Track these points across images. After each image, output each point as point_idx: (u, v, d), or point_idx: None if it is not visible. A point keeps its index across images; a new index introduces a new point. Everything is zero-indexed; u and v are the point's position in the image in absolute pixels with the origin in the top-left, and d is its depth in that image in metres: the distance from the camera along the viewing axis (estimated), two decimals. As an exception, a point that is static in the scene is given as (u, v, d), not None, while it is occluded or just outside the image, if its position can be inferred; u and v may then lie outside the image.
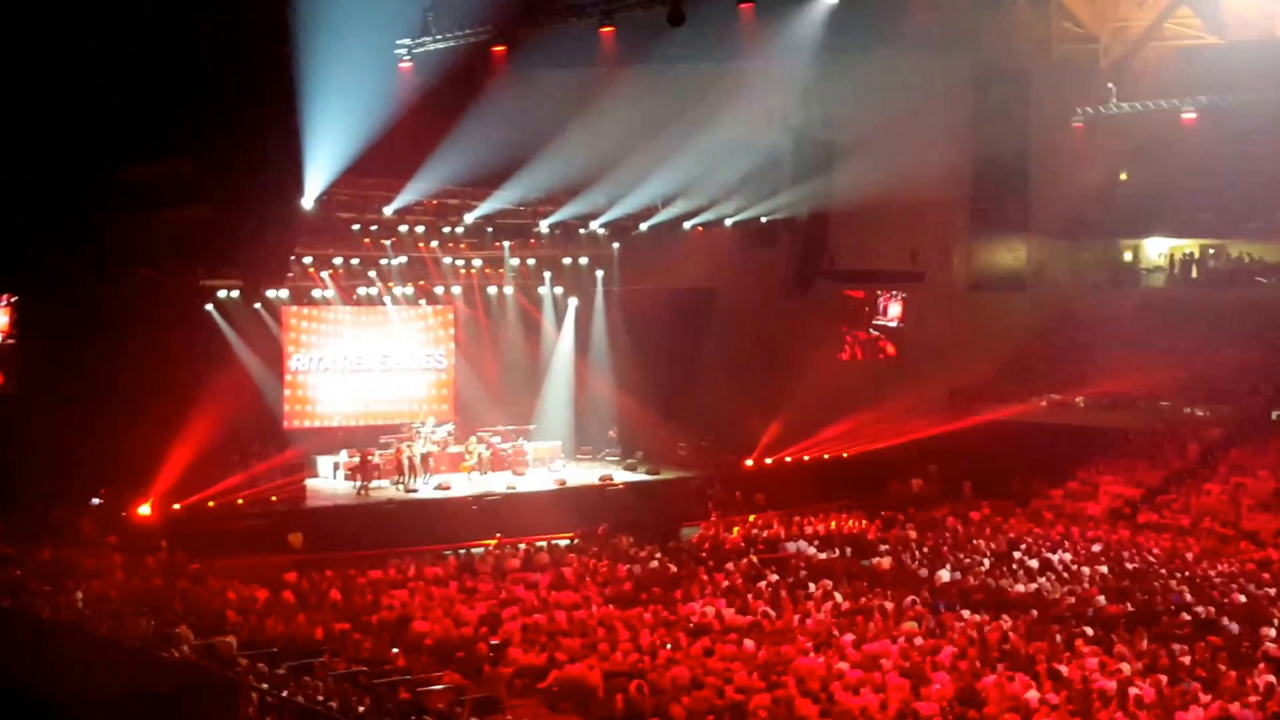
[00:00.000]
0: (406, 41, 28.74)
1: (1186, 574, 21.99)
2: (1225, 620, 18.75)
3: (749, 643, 17.58)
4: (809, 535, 26.17)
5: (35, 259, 24.57)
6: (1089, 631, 18.04)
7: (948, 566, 22.70)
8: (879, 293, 36.64)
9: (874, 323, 36.57)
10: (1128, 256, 38.21)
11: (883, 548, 24.66)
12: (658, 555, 23.76)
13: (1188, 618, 18.93)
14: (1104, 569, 22.33)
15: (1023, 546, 24.31)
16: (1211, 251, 37.14)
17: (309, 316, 31.85)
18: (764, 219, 34.91)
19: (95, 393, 24.97)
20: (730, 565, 22.90)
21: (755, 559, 23.57)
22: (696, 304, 35.76)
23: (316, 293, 31.66)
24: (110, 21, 24.00)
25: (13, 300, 25.63)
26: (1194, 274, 37.11)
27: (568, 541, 25.76)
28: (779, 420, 33.07)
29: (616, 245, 34.70)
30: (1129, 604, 19.83)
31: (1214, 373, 32.34)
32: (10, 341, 25.54)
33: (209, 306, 29.21)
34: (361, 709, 14.66)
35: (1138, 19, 35.05)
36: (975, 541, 25.03)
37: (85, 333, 25.34)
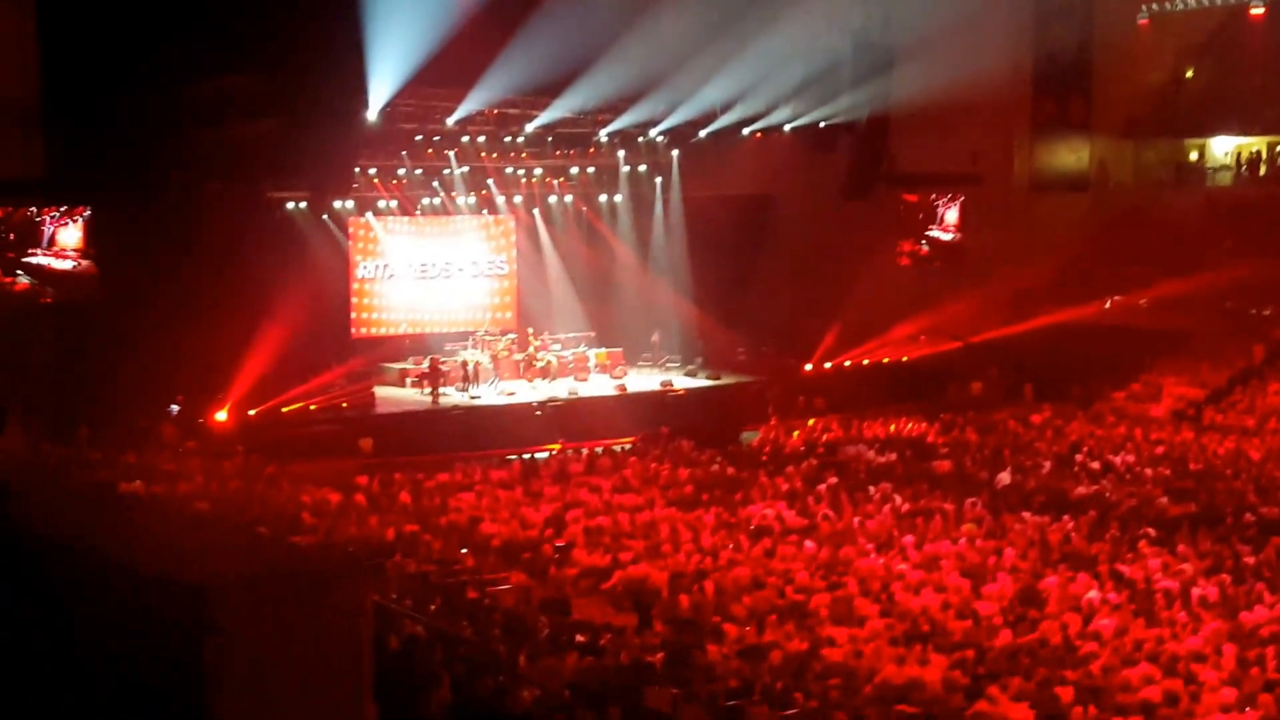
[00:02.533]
0: (469, -52, 28.45)
1: (1251, 475, 21.70)
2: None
3: (810, 544, 17.59)
4: (869, 438, 26.05)
5: (108, 174, 24.65)
6: (1151, 532, 17.87)
7: (1008, 469, 22.52)
8: (938, 196, 36.01)
9: (933, 226, 36.04)
10: (1193, 155, 37.36)
11: (943, 450, 24.49)
12: (718, 459, 23.75)
13: (1252, 519, 18.68)
14: (1167, 471, 22.09)
15: (1084, 449, 24.05)
16: (1279, 149, 36.32)
17: (374, 228, 31.93)
18: (823, 124, 34.40)
19: (172, 304, 25.14)
20: (790, 468, 22.83)
21: (815, 462, 23.52)
22: (755, 210, 35.52)
23: (381, 203, 31.73)
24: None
25: (86, 215, 25.76)
26: (1261, 172, 36.27)
27: (629, 446, 25.83)
28: (838, 325, 32.89)
29: (675, 152, 34.43)
30: (1193, 505, 19.61)
31: (1280, 272, 31.75)
32: (80, 261, 25.72)
33: (278, 217, 29.37)
34: (432, 608, 14.81)
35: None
36: (1036, 444, 24.80)
37: (160, 246, 25.51)
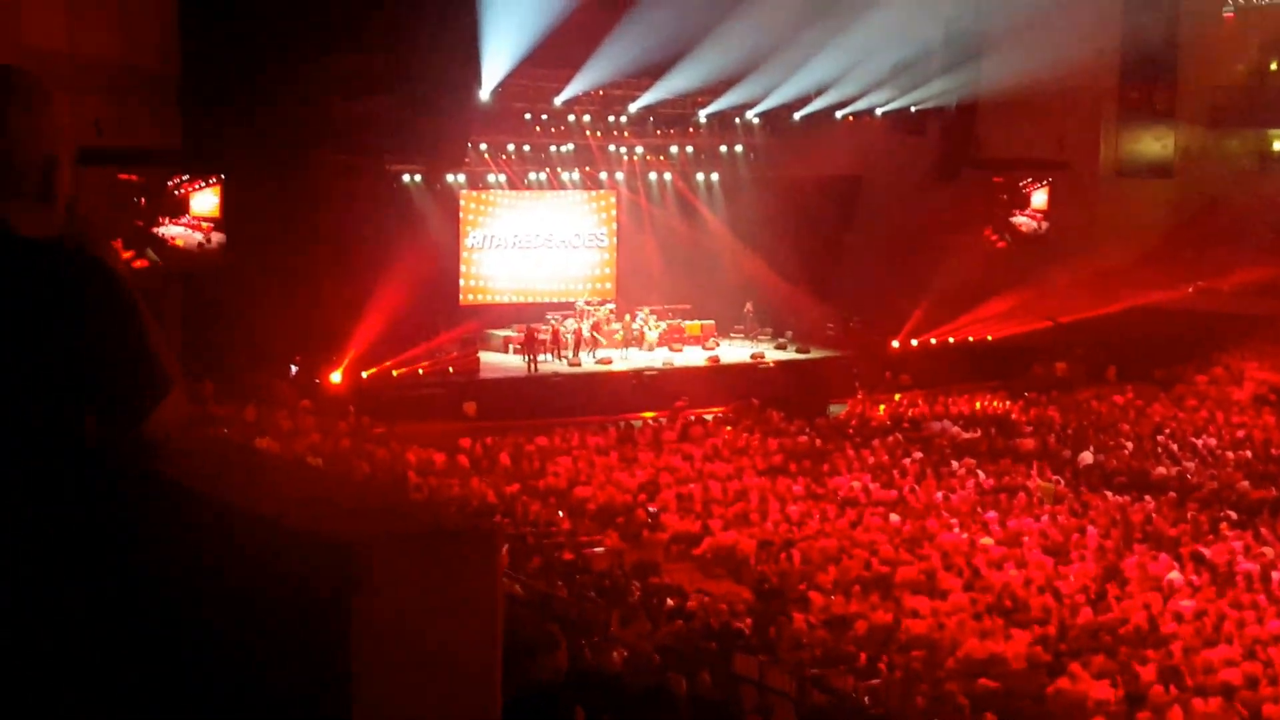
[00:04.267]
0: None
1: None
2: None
3: (894, 517, 17.40)
4: (953, 414, 25.74)
5: (240, 143, 24.97)
6: (1233, 515, 17.44)
7: (1091, 448, 22.13)
8: (1025, 180, 35.45)
9: (1020, 209, 35.51)
10: (1276, 145, 36.55)
11: (1026, 429, 24.14)
12: (806, 430, 23.59)
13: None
14: (1248, 454, 21.56)
15: (1166, 430, 23.56)
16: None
17: (484, 200, 31.96)
18: (913, 108, 33.91)
19: (294, 268, 25.34)
20: (876, 441, 22.63)
21: (900, 436, 23.28)
22: (846, 190, 35.02)
23: (491, 177, 31.71)
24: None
25: (216, 183, 26.11)
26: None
27: (721, 415, 25.74)
28: (924, 303, 32.39)
29: (770, 134, 34.05)
30: (1274, 489, 19.11)
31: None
32: (209, 236, 26.05)
33: (394, 189, 29.47)
34: (531, 568, 14.87)
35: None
36: (1119, 424, 24.36)
37: (284, 212, 25.76)
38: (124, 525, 2.57)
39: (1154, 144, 35.84)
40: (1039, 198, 35.29)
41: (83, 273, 2.53)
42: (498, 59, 27.64)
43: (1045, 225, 34.97)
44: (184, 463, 2.65)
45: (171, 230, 25.53)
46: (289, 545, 2.37)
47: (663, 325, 31.73)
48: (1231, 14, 34.52)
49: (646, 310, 32.01)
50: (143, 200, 25.47)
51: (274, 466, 3.17)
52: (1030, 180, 35.19)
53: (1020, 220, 35.20)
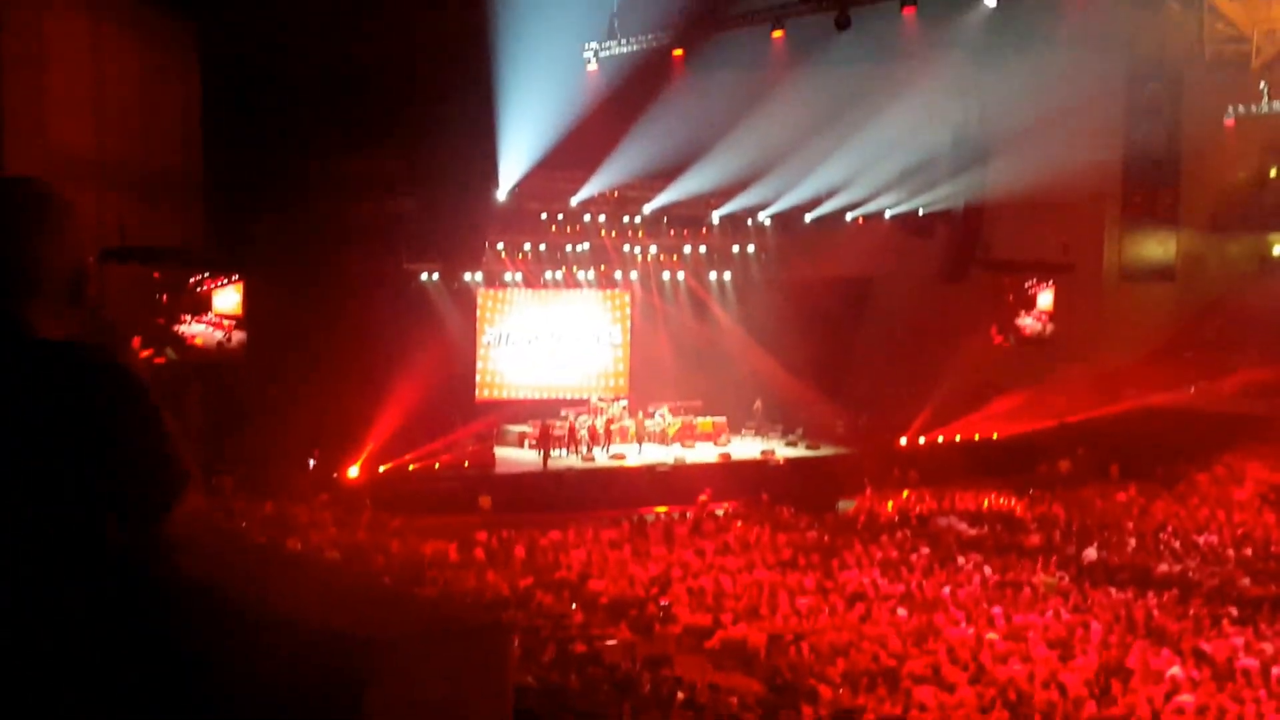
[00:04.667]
0: (594, 45, 29.09)
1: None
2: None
3: (902, 611, 17.38)
4: (960, 511, 25.74)
5: (261, 242, 25.37)
6: (1234, 611, 17.41)
7: (1094, 544, 22.12)
8: (1031, 282, 35.74)
9: (1025, 310, 35.72)
10: (1277, 250, 36.81)
11: (1031, 525, 24.13)
12: (816, 526, 23.60)
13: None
14: (1249, 552, 21.53)
15: (1169, 528, 23.55)
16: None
17: (500, 299, 32.49)
18: (922, 211, 34.36)
19: (313, 364, 25.68)
20: (885, 537, 22.64)
21: (908, 532, 23.28)
22: (856, 291, 35.36)
23: (507, 276, 32.27)
24: (339, 28, 24.69)
25: (242, 278, 26.47)
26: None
27: (732, 510, 25.76)
28: (932, 401, 32.60)
29: (782, 235, 34.52)
30: (1274, 586, 19.06)
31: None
32: (230, 334, 26.34)
33: (413, 288, 29.90)
34: (545, 660, 14.87)
35: (1290, 21, 33.73)
36: (1122, 521, 24.35)
37: (304, 310, 26.12)
38: (144, 626, 2.60)
39: (1157, 248, 36.11)
40: (1044, 299, 35.47)
41: (100, 374, 2.52)
42: (515, 160, 28.16)
43: (1050, 326, 35.19)
44: (202, 562, 2.70)
45: (193, 329, 25.84)
46: (305, 642, 2.50)
47: (675, 421, 32.01)
48: (1232, 120, 34.90)
49: (665, 408, 32.27)
50: (164, 297, 25.76)
51: (291, 563, 3.30)
52: (1036, 281, 35.45)
53: (1026, 322, 35.43)
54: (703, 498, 25.57)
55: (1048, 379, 32.69)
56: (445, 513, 24.15)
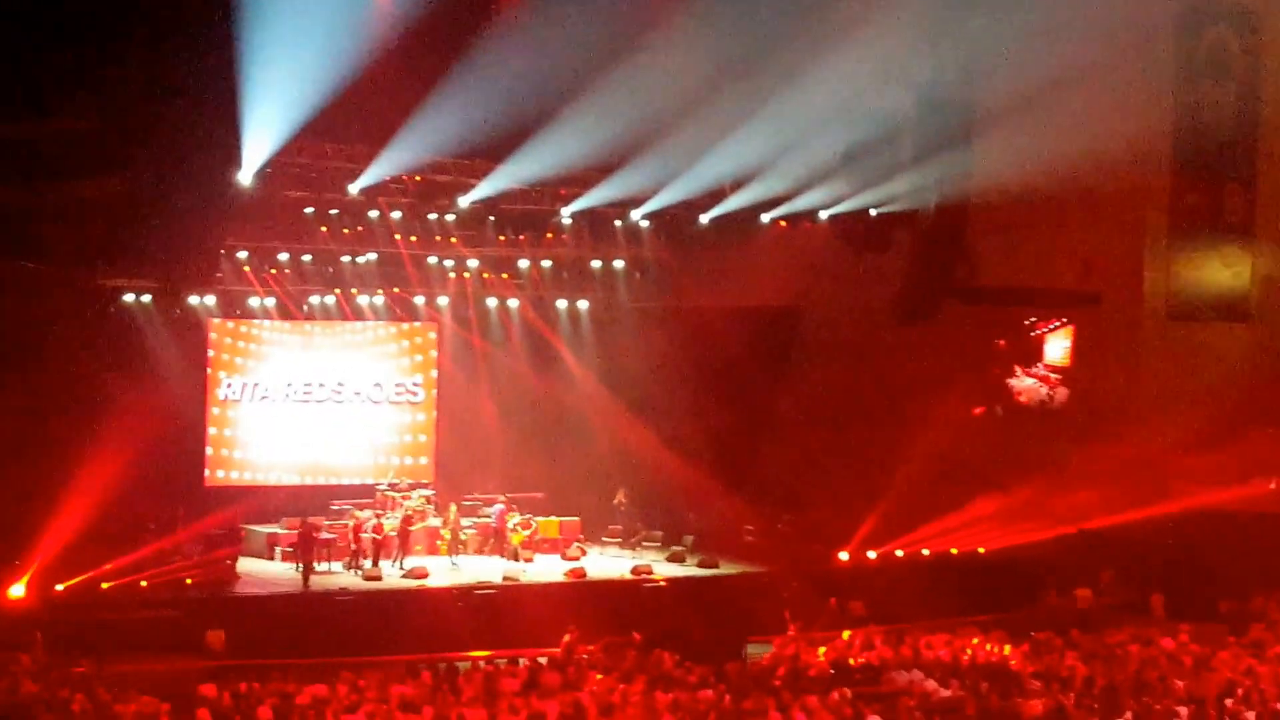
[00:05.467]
0: (385, -38, 29.44)
1: None
2: None
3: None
4: (927, 662, 26.11)
5: None
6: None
7: (1129, 716, 22.75)
8: (1035, 320, 36.95)
9: (1026, 363, 36.76)
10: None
11: (1033, 685, 24.64)
12: (712, 681, 24.06)
13: None
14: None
15: (1238, 692, 23.95)
16: None
17: (243, 334, 33.09)
18: (874, 211, 35.18)
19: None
20: (813, 700, 22.99)
21: (849, 693, 23.82)
22: (776, 329, 36.34)
23: (254, 300, 32.78)
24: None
25: None
26: None
27: (587, 657, 26.23)
28: (888, 496, 33.49)
29: (666, 244, 35.49)
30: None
31: None
32: None
33: (111, 314, 30.25)
34: None
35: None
36: (1169, 682, 24.79)
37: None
38: None
39: (1223, 271, 36.60)
40: (1055, 346, 36.63)
41: None
42: (266, 127, 28.28)
43: (1060, 390, 36.26)
44: None
45: None
46: None
47: (506, 522, 32.52)
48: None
49: (480, 499, 32.96)
50: None
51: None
52: (1042, 320, 36.64)
53: (1026, 383, 36.49)
54: (570, 637, 25.89)
55: (1059, 466, 33.83)
56: (155, 655, 24.25)
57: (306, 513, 31.14)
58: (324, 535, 30.68)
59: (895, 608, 30.57)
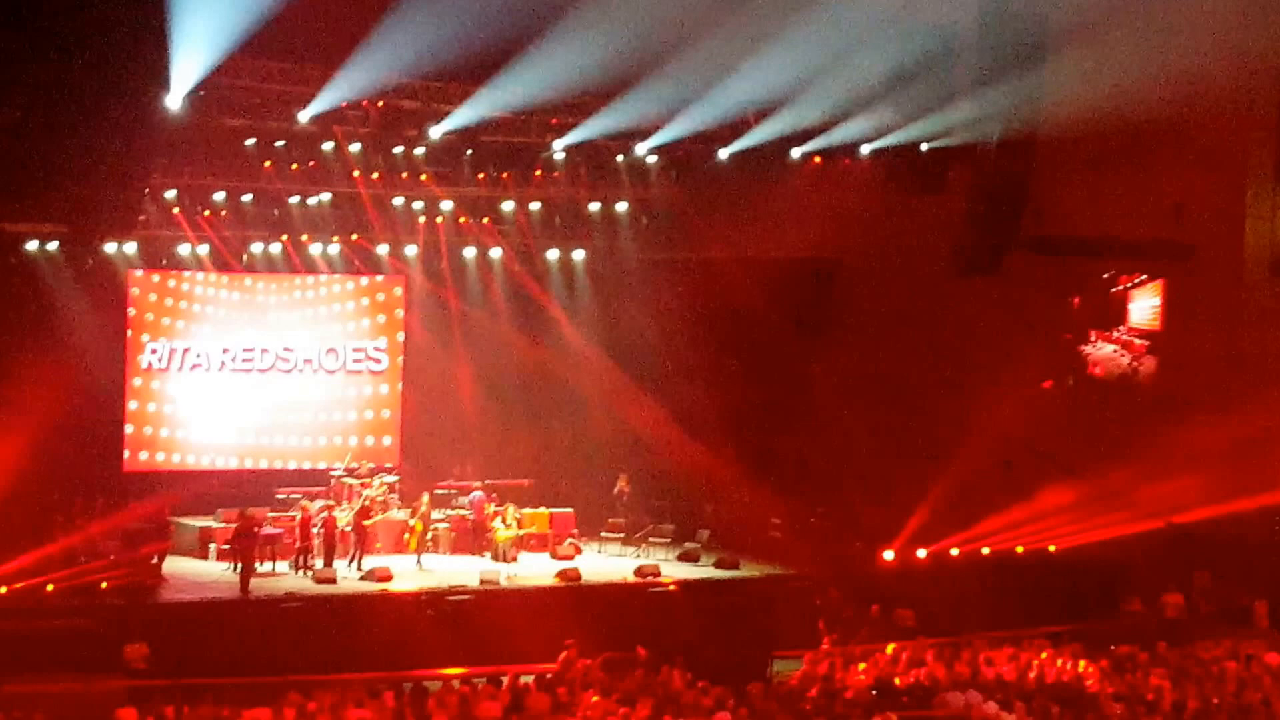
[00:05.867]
0: None
1: None
2: None
3: None
4: (987, 682, 26.28)
5: None
6: None
7: (1226, 741, 22.72)
8: (1118, 274, 36.95)
9: (1104, 326, 36.71)
10: None
11: (1112, 708, 24.73)
12: (731, 704, 24.06)
13: None
14: None
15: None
16: None
17: (171, 290, 33.08)
18: (926, 146, 35.01)
19: None
20: (852, 726, 23.15)
21: (895, 718, 23.82)
22: (808, 286, 36.33)
23: (184, 248, 32.69)
24: None
25: None
26: None
27: (584, 674, 26.17)
28: (941, 486, 33.60)
29: (677, 184, 35.40)
30: None
31: None
32: None
33: (12, 265, 30.10)
34: None
35: None
36: (1273, 706, 24.92)
37: None
38: None
39: None
40: (1140, 307, 36.66)
41: None
42: (198, 42, 27.97)
43: (1145, 358, 36.24)
44: None
45: None
46: None
47: (484, 512, 32.49)
48: None
49: (453, 485, 32.98)
50: None
51: None
52: (1123, 276, 36.65)
53: (1105, 349, 36.47)
54: (568, 649, 25.91)
55: (1144, 448, 33.74)
56: (64, 673, 24.10)
57: (247, 503, 30.93)
58: (267, 530, 30.48)
59: (949, 617, 30.59)
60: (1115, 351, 36.36)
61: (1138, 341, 36.60)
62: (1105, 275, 36.60)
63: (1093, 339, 36.47)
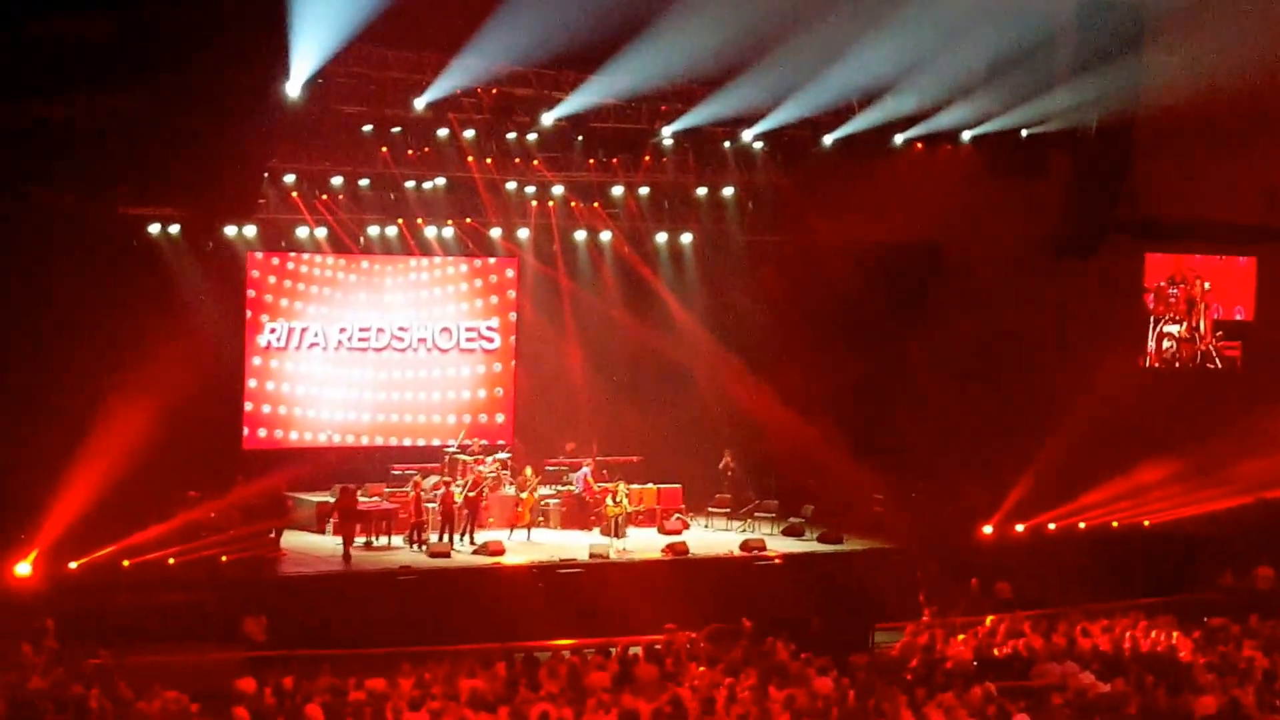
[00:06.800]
0: None
1: None
2: None
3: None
4: (1083, 653, 26.09)
5: None
6: None
7: (1320, 713, 22.45)
8: (1216, 258, 36.47)
9: (1205, 307, 36.25)
10: None
11: (1206, 678, 24.48)
12: (834, 674, 23.88)
13: None
14: None
15: None
16: None
17: (289, 272, 33.02)
18: (1025, 132, 34.86)
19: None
20: (951, 696, 22.94)
21: (994, 688, 23.61)
22: (910, 268, 36.05)
23: (302, 231, 32.63)
24: None
25: None
26: None
27: (690, 646, 26.01)
28: (1038, 461, 33.32)
29: (782, 170, 35.04)
30: None
31: None
32: None
33: (135, 248, 30.10)
34: None
35: None
36: None
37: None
38: None
39: None
40: (1241, 289, 36.02)
41: None
42: (319, 31, 27.98)
43: (1252, 332, 36.10)
44: None
45: None
46: None
47: (593, 488, 32.45)
48: None
49: (564, 463, 32.75)
50: None
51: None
52: (1224, 258, 36.37)
53: (1206, 325, 35.85)
54: (669, 629, 25.81)
55: (1241, 425, 33.54)
56: (185, 644, 24.27)
57: (362, 479, 31.18)
58: (383, 505, 30.62)
59: (1046, 590, 30.40)
60: (1196, 335, 35.94)
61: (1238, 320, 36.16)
62: (1210, 256, 35.95)
63: (1194, 317, 35.85)
